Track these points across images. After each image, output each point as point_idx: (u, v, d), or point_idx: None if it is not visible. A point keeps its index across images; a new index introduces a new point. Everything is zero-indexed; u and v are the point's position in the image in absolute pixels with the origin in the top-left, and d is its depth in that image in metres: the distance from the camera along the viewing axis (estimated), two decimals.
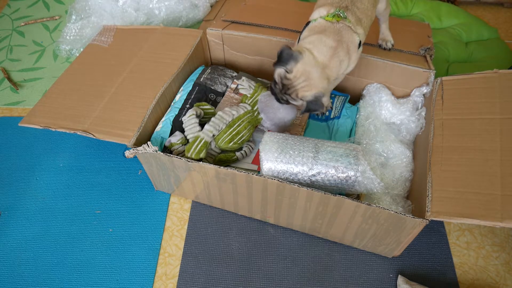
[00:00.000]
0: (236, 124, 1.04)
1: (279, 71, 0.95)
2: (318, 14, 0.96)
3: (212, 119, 1.03)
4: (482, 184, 0.83)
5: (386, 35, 1.18)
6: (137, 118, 1.04)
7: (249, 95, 1.14)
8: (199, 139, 1.01)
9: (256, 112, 1.10)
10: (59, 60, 1.63)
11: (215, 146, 1.04)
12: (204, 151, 1.00)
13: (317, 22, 0.95)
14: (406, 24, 1.31)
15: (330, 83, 0.96)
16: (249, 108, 1.09)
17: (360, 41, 0.96)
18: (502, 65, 1.42)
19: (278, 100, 1.02)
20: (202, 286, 1.02)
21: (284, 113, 1.08)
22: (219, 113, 1.05)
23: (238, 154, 1.05)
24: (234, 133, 1.03)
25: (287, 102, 1.00)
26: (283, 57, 0.92)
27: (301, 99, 0.95)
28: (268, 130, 1.10)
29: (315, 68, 0.91)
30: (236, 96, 1.18)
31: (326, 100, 0.95)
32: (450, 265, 1.04)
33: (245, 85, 1.18)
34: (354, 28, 0.94)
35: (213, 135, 1.03)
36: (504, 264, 1.03)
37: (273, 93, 1.01)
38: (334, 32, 0.92)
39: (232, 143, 1.02)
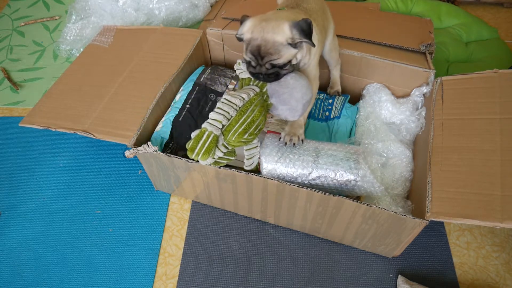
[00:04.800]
0: (249, 110, 0.81)
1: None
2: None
3: (218, 104, 0.81)
4: (482, 185, 0.83)
5: (334, 82, 1.19)
6: (137, 118, 1.04)
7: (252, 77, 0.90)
8: (206, 133, 0.77)
9: (266, 96, 0.89)
10: (59, 60, 1.63)
11: (221, 143, 0.82)
12: (214, 150, 0.78)
13: None
14: (407, 19, 1.31)
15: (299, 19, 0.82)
16: (258, 90, 0.87)
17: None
18: (502, 65, 1.42)
19: (259, 77, 0.86)
20: (202, 286, 1.02)
21: (302, 91, 0.88)
22: (225, 96, 0.83)
23: (246, 163, 0.89)
24: (248, 121, 0.80)
25: (273, 68, 0.84)
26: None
27: (288, 44, 0.80)
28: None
29: (268, 14, 0.85)
30: None
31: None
32: (450, 265, 1.04)
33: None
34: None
35: (223, 126, 0.80)
36: (504, 264, 1.03)
37: (255, 75, 0.87)
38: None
39: (247, 134, 0.80)
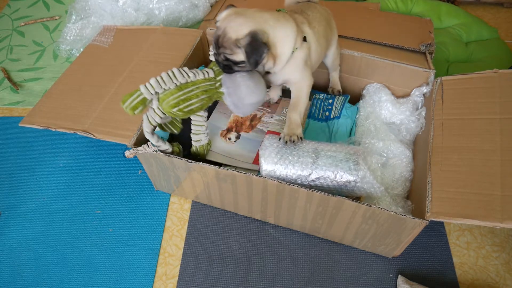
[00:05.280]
0: (188, 89, 0.88)
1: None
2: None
3: (162, 74, 0.87)
4: (482, 185, 0.83)
5: (334, 83, 1.21)
6: (137, 118, 1.04)
7: None
8: (137, 93, 0.86)
9: (219, 84, 0.94)
10: (59, 60, 1.63)
11: (157, 107, 0.90)
12: (140, 108, 0.86)
13: None
14: (407, 19, 1.31)
15: (274, 29, 0.86)
16: (212, 75, 0.93)
17: (305, 37, 0.93)
18: (502, 65, 1.42)
19: (219, 64, 0.90)
20: (202, 286, 1.02)
21: (245, 92, 0.92)
22: (174, 69, 0.89)
23: (193, 147, 1.00)
24: (182, 97, 0.87)
25: (227, 61, 0.87)
26: None
27: (237, 46, 0.83)
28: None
29: (248, 10, 0.86)
30: None
31: (281, 54, 0.87)
32: (450, 265, 1.04)
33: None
34: (299, 22, 0.93)
35: (156, 93, 0.87)
36: (504, 264, 1.03)
37: (216, 61, 0.91)
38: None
39: (176, 108, 0.87)
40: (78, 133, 1.03)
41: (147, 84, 0.86)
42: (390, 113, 1.14)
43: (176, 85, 0.88)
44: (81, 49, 1.58)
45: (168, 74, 0.87)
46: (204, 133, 1.02)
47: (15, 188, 1.24)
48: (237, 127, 1.12)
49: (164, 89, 0.87)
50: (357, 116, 1.16)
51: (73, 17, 1.64)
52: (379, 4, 1.52)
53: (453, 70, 1.41)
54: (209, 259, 1.06)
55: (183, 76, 0.88)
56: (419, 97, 1.12)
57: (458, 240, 1.08)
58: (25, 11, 1.86)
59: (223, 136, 1.10)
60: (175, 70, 0.88)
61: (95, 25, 1.58)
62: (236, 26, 0.84)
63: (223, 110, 1.16)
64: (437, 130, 0.98)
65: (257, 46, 0.83)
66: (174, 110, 0.87)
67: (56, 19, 1.82)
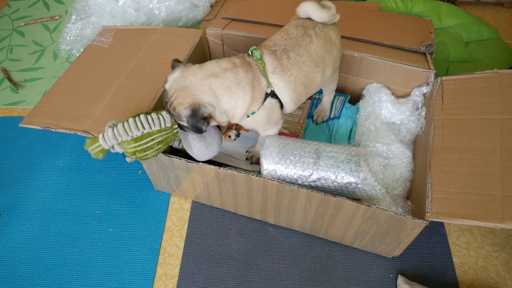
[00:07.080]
0: (144, 141, 0.90)
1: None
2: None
3: (119, 125, 0.90)
4: (482, 185, 0.83)
5: (324, 109, 1.17)
6: None
7: None
8: (97, 144, 0.91)
9: (176, 130, 0.96)
10: (59, 60, 1.63)
11: (119, 148, 0.94)
12: (101, 155, 0.92)
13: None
14: (407, 19, 1.31)
15: (220, 101, 0.83)
16: (168, 124, 0.93)
17: (273, 91, 0.88)
18: (502, 65, 1.42)
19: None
20: (202, 286, 1.02)
21: (196, 153, 0.94)
22: (130, 120, 0.90)
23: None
24: (138, 149, 0.90)
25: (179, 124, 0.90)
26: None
27: (181, 115, 0.84)
28: None
29: (194, 76, 0.83)
30: None
31: (221, 119, 0.85)
32: (450, 265, 1.04)
33: None
34: (265, 73, 0.87)
35: (117, 142, 0.90)
36: (504, 264, 1.03)
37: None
38: (240, 63, 0.86)
39: (134, 156, 0.92)
40: (78, 134, 1.03)
41: (105, 135, 0.89)
42: (390, 113, 1.14)
43: (132, 137, 0.89)
44: (81, 49, 1.58)
45: (123, 126, 0.89)
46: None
47: (15, 188, 1.24)
48: (237, 125, 1.12)
49: (121, 140, 0.89)
50: (357, 116, 1.16)
51: (73, 17, 1.64)
52: (379, 4, 1.53)
53: (453, 70, 1.41)
54: (209, 259, 1.06)
55: (138, 129, 0.89)
56: (419, 97, 1.12)
57: (458, 240, 1.08)
58: (25, 11, 1.86)
59: (223, 134, 1.10)
60: (131, 121, 0.90)
61: (95, 25, 1.58)
62: (180, 99, 0.83)
63: None
64: (437, 130, 0.98)
65: (196, 121, 0.82)
66: (133, 156, 0.91)
67: (56, 19, 1.82)
